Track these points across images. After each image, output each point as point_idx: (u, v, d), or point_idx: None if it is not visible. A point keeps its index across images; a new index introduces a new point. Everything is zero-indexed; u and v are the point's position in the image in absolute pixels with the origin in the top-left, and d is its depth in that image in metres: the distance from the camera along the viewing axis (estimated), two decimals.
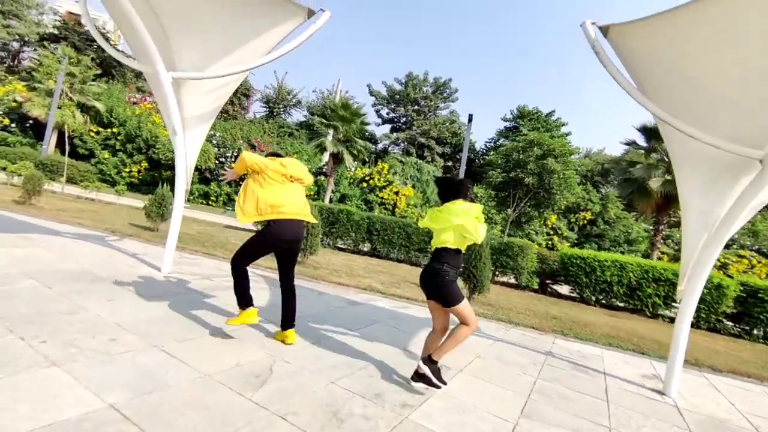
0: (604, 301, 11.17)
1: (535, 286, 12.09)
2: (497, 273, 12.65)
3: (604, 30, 3.88)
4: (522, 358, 4.56)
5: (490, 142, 44.04)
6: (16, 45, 34.00)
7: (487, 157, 17.15)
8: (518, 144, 15.38)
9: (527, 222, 15.57)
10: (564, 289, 12.19)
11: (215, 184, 23.13)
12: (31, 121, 22.06)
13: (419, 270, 11.67)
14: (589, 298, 11.17)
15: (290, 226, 3.37)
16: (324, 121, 21.42)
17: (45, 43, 28.97)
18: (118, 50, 4.93)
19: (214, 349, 3.19)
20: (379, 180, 26.49)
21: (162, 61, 4.43)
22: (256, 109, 43.76)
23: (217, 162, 23.35)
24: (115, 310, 3.63)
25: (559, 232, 32.15)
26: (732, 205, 3.76)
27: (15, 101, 21.76)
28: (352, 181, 27.34)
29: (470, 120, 19.11)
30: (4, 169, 14.41)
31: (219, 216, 18.22)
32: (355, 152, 20.35)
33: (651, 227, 29.46)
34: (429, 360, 3.04)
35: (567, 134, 39.70)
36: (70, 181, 18.41)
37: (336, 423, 2.41)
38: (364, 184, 26.92)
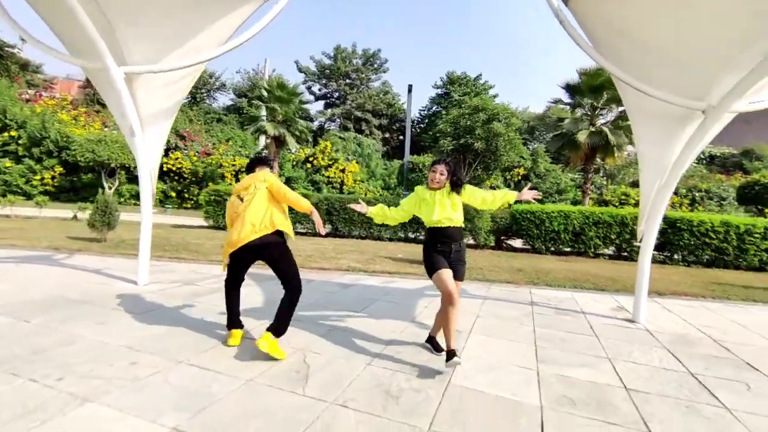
0: (553, 249, 12.22)
1: (492, 244, 12.87)
2: None
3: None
4: (514, 312, 4.96)
5: (424, 110, 44.75)
6: None
7: (441, 125, 17.46)
8: (464, 110, 15.90)
9: (477, 185, 16.36)
10: (517, 242, 13.11)
11: None
12: None
13: (385, 244, 11.94)
14: (540, 248, 12.16)
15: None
16: (260, 103, 20.36)
17: None
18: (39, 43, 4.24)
19: (240, 354, 3.13)
20: (323, 159, 25.97)
21: (110, 54, 3.96)
22: None
23: None
24: (113, 332, 3.38)
25: (498, 190, 34.01)
26: (681, 152, 4.30)
27: None
28: (295, 163, 26.54)
29: (410, 90, 19.35)
30: None
31: (161, 216, 16.96)
32: (297, 133, 19.70)
33: (577, 176, 32.28)
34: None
35: (494, 96, 41.33)
36: None
37: (393, 400, 2.54)
38: (308, 165, 26.28)
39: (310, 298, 5.00)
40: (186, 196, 23.14)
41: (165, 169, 22.00)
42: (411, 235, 12.92)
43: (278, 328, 3.04)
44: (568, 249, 12.22)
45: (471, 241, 13.03)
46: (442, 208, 3.21)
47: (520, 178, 35.76)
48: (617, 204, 23.82)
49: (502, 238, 13.25)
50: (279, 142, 19.56)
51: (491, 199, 3.42)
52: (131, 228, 10.68)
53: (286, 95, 19.11)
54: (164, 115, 4.83)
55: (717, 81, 3.94)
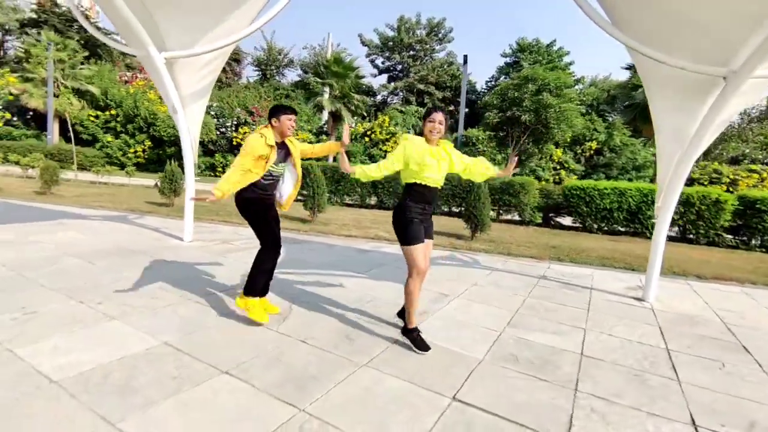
0: (606, 228, 11.54)
1: (539, 221, 12.48)
2: (501, 212, 13.05)
3: None
4: (516, 283, 5.05)
5: (491, 81, 42.75)
6: None
7: (487, 97, 16.52)
8: (513, 81, 15.18)
9: (528, 159, 15.58)
10: (567, 220, 12.57)
11: (219, 155, 23.43)
12: (31, 113, 22.31)
13: None
14: (591, 226, 11.56)
15: None
16: (318, 80, 21.12)
17: (26, 29, 28.34)
18: (106, 34, 5.10)
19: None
20: (380, 133, 26.36)
21: (152, 43, 4.65)
22: (249, 73, 42.90)
23: (218, 133, 23.49)
24: (151, 276, 4.18)
25: (566, 165, 31.95)
26: (701, 123, 4.00)
27: (11, 94, 21.87)
28: (354, 137, 27.27)
29: (465, 61, 18.69)
30: (17, 163, 14.93)
31: None
32: (353, 107, 20.22)
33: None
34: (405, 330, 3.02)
35: (570, 64, 38.15)
36: (80, 167, 18.93)
37: (348, 342, 2.95)
38: (366, 139, 26.85)
39: (326, 259, 5.53)
40: None
41: (234, 143, 23.96)
42: (455, 210, 12.97)
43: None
44: (623, 229, 11.48)
45: (516, 217, 12.76)
46: (440, 167, 2.90)
47: (592, 152, 33.21)
48: (706, 183, 21.31)
49: (551, 215, 12.77)
50: (336, 116, 20.25)
51: (473, 166, 3.12)
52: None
53: (342, 70, 19.60)
54: (200, 93, 5.51)
55: (743, 43, 3.59)
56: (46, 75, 20.52)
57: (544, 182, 23.94)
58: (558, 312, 4.02)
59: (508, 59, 40.68)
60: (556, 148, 31.87)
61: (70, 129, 17.28)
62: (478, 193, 8.10)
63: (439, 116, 2.88)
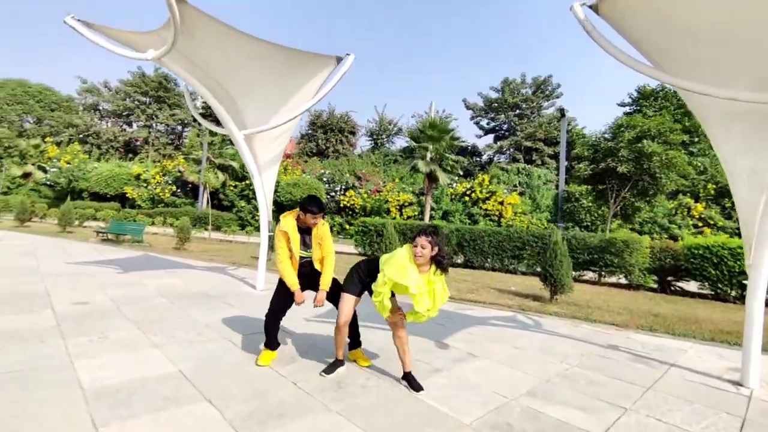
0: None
1: (652, 285, 10.61)
2: (604, 274, 11.47)
3: (594, 8, 3.82)
4: (571, 350, 4.42)
5: (607, 133, 39.65)
6: (179, 128, 43.66)
7: (577, 149, 14.95)
8: (604, 132, 13.91)
9: (634, 213, 13.47)
10: (692, 285, 10.44)
11: (328, 217, 25.81)
12: (190, 185, 28.05)
13: (512, 277, 11.36)
14: (725, 293, 9.40)
15: None
16: (414, 144, 22.39)
17: (196, 123, 36.50)
18: (209, 121, 6.52)
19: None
20: (481, 192, 26.16)
21: (234, 123, 5.78)
22: (363, 143, 47.38)
23: (328, 197, 26.10)
24: (210, 315, 4.82)
25: (711, 222, 26.86)
26: None
27: (179, 171, 28.00)
28: (453, 196, 27.55)
29: (563, 114, 17.96)
30: (171, 225, 18.70)
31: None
32: (448, 168, 20.72)
33: None
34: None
35: None
36: (218, 228, 22.70)
37: (335, 388, 2.98)
38: (467, 198, 26.85)
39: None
40: None
41: (342, 205, 26.24)
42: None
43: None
44: None
45: (622, 280, 11.07)
46: (424, 300, 2.92)
47: None
48: None
49: (669, 278, 10.74)
50: (431, 177, 20.94)
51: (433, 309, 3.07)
52: None
53: (437, 133, 20.52)
54: (273, 161, 6.49)
55: None
56: (201, 155, 25.91)
57: (680, 241, 20.39)
58: (603, 387, 3.40)
59: (627, 108, 37.57)
60: (696, 201, 27.45)
61: (208, 197, 21.25)
62: (555, 250, 7.43)
63: (421, 240, 2.84)
